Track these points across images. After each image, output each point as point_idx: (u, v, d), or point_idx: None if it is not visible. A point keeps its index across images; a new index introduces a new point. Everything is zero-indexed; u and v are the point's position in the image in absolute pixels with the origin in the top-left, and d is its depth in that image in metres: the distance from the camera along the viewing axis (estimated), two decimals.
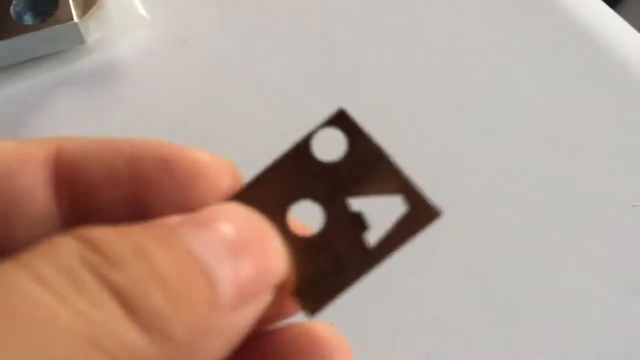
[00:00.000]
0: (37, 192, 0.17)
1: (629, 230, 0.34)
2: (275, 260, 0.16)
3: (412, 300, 0.33)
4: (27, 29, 0.37)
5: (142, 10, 0.41)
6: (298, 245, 0.17)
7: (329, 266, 0.17)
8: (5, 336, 0.12)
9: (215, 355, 0.15)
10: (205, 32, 0.42)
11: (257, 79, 0.39)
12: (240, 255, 0.15)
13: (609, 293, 0.33)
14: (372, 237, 0.16)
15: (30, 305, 0.12)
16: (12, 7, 0.37)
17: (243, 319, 0.15)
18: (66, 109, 0.38)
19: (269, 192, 0.17)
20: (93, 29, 0.39)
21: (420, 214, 0.16)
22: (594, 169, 0.36)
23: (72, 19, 0.37)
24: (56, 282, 0.12)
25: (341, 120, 0.17)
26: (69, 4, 0.37)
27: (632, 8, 0.89)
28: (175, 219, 0.15)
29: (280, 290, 0.17)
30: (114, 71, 0.40)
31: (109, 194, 0.17)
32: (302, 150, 0.17)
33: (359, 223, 0.17)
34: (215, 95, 0.39)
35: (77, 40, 0.38)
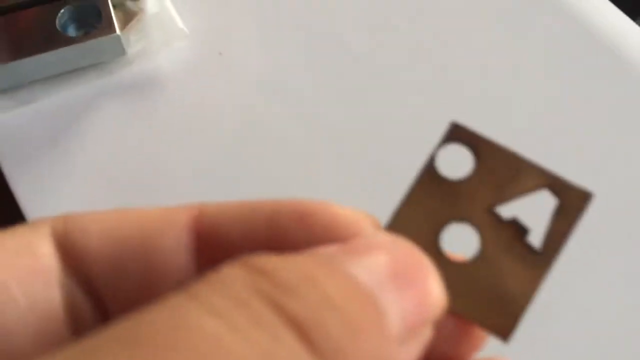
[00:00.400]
0: (180, 257, 0.17)
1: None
2: (436, 291, 0.15)
3: None
4: (71, 41, 0.38)
5: (180, 23, 0.43)
6: (460, 272, 0.16)
7: (505, 283, 0.16)
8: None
9: None
10: (241, 45, 0.43)
11: (290, 93, 0.40)
12: (403, 285, 0.14)
13: (617, 292, 0.33)
14: (534, 240, 0.16)
15: (206, 340, 0.12)
16: (57, 19, 0.39)
17: (408, 355, 0.14)
18: (107, 118, 0.40)
19: (414, 223, 0.16)
20: (133, 41, 0.41)
21: (572, 201, 0.16)
22: (605, 172, 0.37)
23: (114, 31, 0.39)
24: (232, 315, 0.12)
25: (457, 134, 0.17)
26: (111, 18, 0.39)
27: None
28: (332, 248, 0.15)
29: (464, 326, 0.16)
30: (152, 82, 0.42)
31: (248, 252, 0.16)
32: (430, 174, 0.16)
33: (517, 230, 0.16)
34: (250, 106, 0.40)
35: (119, 52, 0.39)
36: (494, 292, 0.16)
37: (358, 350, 0.13)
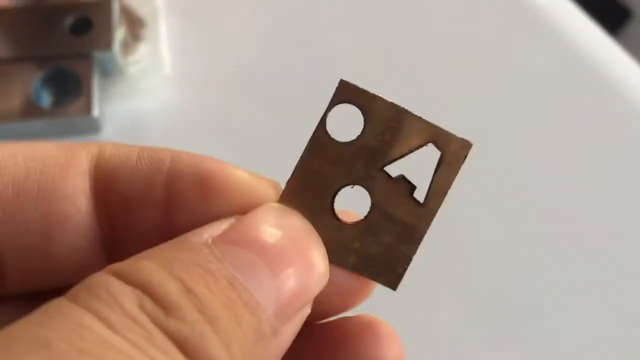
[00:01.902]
0: (79, 202, 0.16)
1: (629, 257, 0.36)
2: (317, 268, 0.16)
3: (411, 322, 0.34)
4: (43, 114, 0.35)
5: (167, 68, 0.40)
6: (354, 231, 0.17)
7: (392, 237, 0.17)
8: None
9: None
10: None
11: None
12: (281, 272, 0.15)
13: (607, 319, 0.34)
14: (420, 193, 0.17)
15: (112, 353, 0.12)
16: (32, 83, 0.36)
17: (285, 340, 0.15)
18: None
19: (307, 191, 0.17)
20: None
21: (454, 152, 0.17)
22: (596, 197, 0.37)
23: (91, 111, 0.36)
24: (127, 331, 0.13)
25: (346, 92, 0.17)
26: (91, 95, 0.36)
27: (633, 33, 0.87)
28: (207, 235, 0.15)
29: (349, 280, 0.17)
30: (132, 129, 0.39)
31: (144, 211, 0.17)
32: (321, 138, 0.17)
33: (404, 186, 0.17)
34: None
35: (94, 130, 0.37)
36: (383, 247, 0.17)
37: (235, 357, 0.14)
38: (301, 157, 0.17)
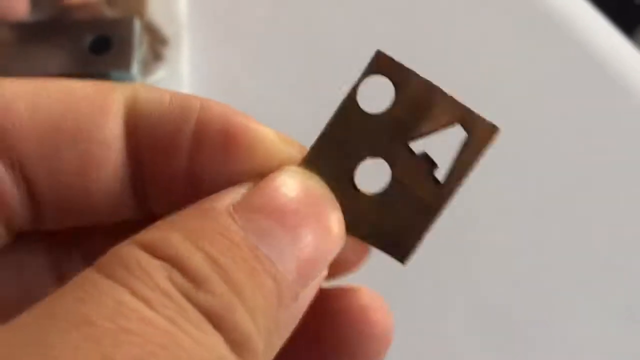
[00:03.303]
0: (116, 145, 0.17)
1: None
2: (334, 235, 0.16)
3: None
4: None
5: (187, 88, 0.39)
6: (370, 203, 0.17)
7: (407, 213, 0.17)
8: (130, 348, 0.12)
9: (282, 342, 0.16)
10: None
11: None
12: (301, 239, 0.15)
13: (610, 320, 0.34)
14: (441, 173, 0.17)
15: (151, 329, 0.13)
16: None
17: (304, 303, 0.16)
18: None
19: (329, 158, 0.17)
20: None
21: (480, 134, 0.17)
22: (612, 200, 0.37)
23: None
24: (162, 307, 0.13)
25: (382, 64, 0.17)
26: None
27: None
28: (229, 201, 0.15)
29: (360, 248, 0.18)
30: None
31: (170, 158, 0.17)
32: (349, 108, 0.17)
33: (426, 164, 0.17)
34: None
35: None
36: (397, 221, 0.17)
37: (262, 330, 0.14)
38: (327, 124, 0.17)
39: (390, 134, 0.17)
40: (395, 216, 0.17)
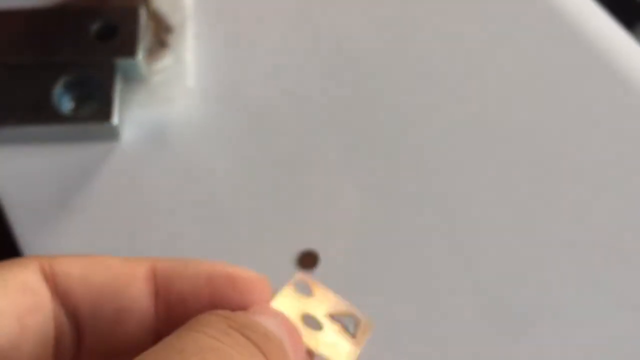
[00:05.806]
0: (142, 301, 0.22)
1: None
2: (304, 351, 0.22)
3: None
4: (62, 119, 0.35)
5: (190, 81, 0.39)
6: (317, 334, 0.23)
7: (337, 351, 0.23)
8: None
9: None
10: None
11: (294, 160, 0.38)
12: (294, 337, 0.22)
13: (608, 307, 0.34)
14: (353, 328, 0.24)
15: (225, 355, 0.18)
16: (54, 90, 0.35)
17: None
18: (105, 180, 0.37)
19: (286, 308, 0.23)
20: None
21: (363, 326, 0.24)
22: (615, 195, 0.37)
23: (110, 119, 0.35)
24: (226, 340, 0.19)
25: (301, 279, 0.23)
26: (111, 103, 0.36)
27: None
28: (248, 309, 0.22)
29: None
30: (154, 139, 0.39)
31: (193, 303, 0.22)
32: (291, 289, 0.23)
33: (341, 324, 0.24)
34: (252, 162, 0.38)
35: (112, 137, 0.36)
36: (334, 352, 0.23)
37: None
38: (281, 290, 0.23)
39: (315, 308, 0.23)
40: (332, 349, 0.24)
